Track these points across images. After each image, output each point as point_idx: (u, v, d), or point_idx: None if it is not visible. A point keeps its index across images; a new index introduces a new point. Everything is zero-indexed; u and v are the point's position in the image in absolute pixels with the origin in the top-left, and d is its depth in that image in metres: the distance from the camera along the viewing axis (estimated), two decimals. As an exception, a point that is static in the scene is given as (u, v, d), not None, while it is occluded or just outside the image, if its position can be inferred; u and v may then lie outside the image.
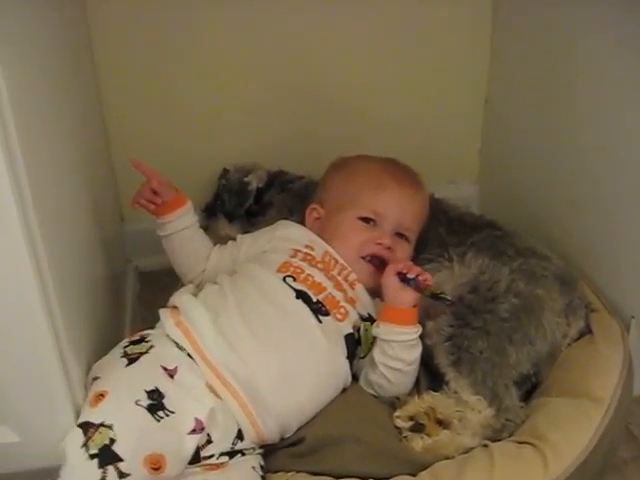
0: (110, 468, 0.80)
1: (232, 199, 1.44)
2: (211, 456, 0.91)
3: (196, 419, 0.88)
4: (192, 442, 0.88)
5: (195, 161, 1.52)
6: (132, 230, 1.51)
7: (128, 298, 1.42)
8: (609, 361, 1.07)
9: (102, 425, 0.82)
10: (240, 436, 0.94)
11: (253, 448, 0.96)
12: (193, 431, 0.88)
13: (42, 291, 0.78)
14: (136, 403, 0.85)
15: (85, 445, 0.81)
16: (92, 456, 0.80)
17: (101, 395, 0.86)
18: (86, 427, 0.82)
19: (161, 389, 0.88)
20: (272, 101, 1.52)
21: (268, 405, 0.94)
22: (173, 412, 0.87)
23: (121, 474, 0.80)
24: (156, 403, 0.86)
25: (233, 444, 0.93)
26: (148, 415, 0.85)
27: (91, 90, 1.38)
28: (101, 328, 1.08)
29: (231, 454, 0.93)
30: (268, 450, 0.98)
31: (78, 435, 0.82)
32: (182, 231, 1.12)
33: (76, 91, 1.19)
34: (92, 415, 0.84)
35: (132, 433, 0.83)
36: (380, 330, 1.03)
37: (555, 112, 1.37)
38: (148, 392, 0.87)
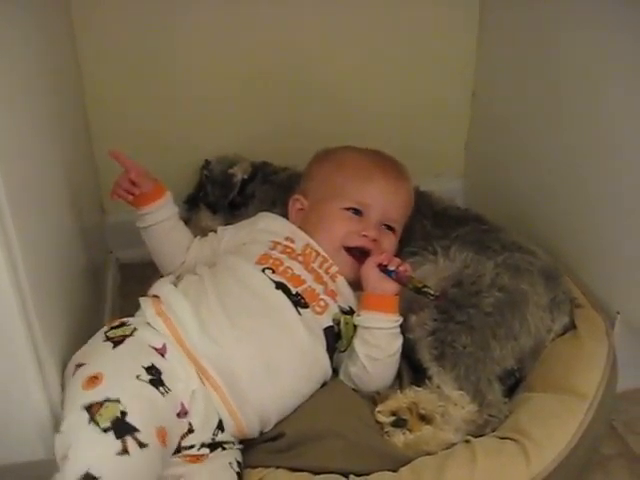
0: (129, 438, 0.78)
1: (216, 190, 1.43)
2: (192, 446, 0.90)
3: (181, 403, 0.88)
4: (179, 424, 0.87)
5: (177, 152, 1.51)
6: (113, 222, 1.50)
7: (108, 290, 1.41)
8: (593, 357, 1.06)
9: (107, 400, 0.80)
10: (221, 427, 0.92)
11: (233, 442, 0.95)
12: (178, 415, 0.87)
13: (15, 282, 0.76)
14: (137, 378, 0.84)
15: (93, 420, 0.78)
16: (105, 429, 0.78)
17: (95, 377, 0.83)
18: (89, 407, 0.80)
19: (157, 366, 0.87)
20: (256, 93, 1.51)
21: (248, 397, 0.93)
22: (170, 390, 0.86)
23: (140, 444, 0.78)
24: (156, 379, 0.86)
25: (214, 435, 0.92)
26: (153, 389, 0.84)
27: (73, 80, 1.37)
28: (79, 319, 1.06)
29: (212, 446, 0.92)
30: (248, 446, 0.97)
31: (81, 416, 0.79)
32: (162, 222, 1.11)
33: (57, 80, 1.17)
34: (91, 396, 0.81)
35: (142, 404, 0.82)
36: (361, 318, 1.02)
37: (541, 106, 1.36)
38: (146, 368, 0.86)
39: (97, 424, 0.78)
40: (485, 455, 0.92)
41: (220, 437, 0.92)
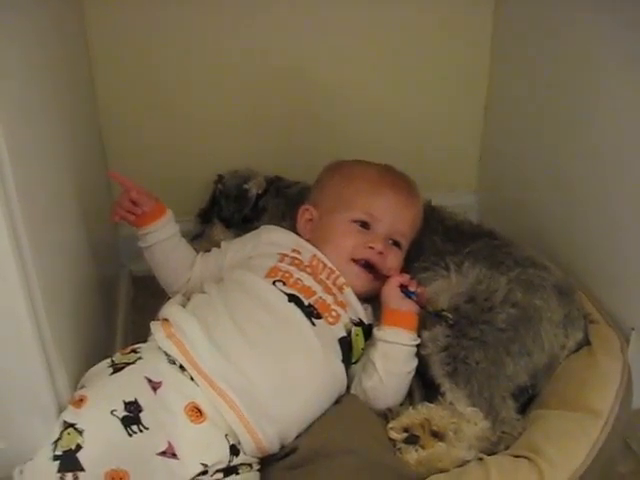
0: (69, 475, 0.79)
1: (230, 205, 1.43)
2: (204, 472, 0.88)
3: (169, 442, 0.86)
4: (162, 464, 0.84)
5: (188, 166, 1.51)
6: (126, 234, 1.48)
7: (121, 302, 1.41)
8: (608, 374, 1.05)
9: (74, 427, 0.82)
10: (235, 452, 0.90)
11: (250, 465, 0.92)
12: (163, 453, 0.85)
13: (28, 296, 0.77)
14: (112, 413, 0.84)
15: (55, 443, 0.81)
16: (56, 457, 0.80)
17: (81, 399, 0.86)
18: (64, 425, 0.83)
19: (140, 402, 0.86)
20: (267, 108, 1.52)
21: (267, 412, 0.92)
22: (147, 428, 0.85)
23: None
24: (132, 416, 0.85)
25: (229, 461, 0.89)
26: (121, 427, 0.84)
27: (87, 93, 1.37)
28: (92, 333, 1.07)
29: (226, 471, 0.89)
30: (263, 464, 0.95)
31: (56, 431, 0.82)
32: (164, 241, 1.10)
33: (71, 93, 1.18)
34: (70, 415, 0.84)
35: (100, 444, 0.82)
36: (384, 333, 1.03)
37: (555, 120, 1.35)
38: (126, 403, 0.85)
39: (55, 448, 0.81)
40: (499, 473, 0.92)
41: (236, 461, 0.90)
